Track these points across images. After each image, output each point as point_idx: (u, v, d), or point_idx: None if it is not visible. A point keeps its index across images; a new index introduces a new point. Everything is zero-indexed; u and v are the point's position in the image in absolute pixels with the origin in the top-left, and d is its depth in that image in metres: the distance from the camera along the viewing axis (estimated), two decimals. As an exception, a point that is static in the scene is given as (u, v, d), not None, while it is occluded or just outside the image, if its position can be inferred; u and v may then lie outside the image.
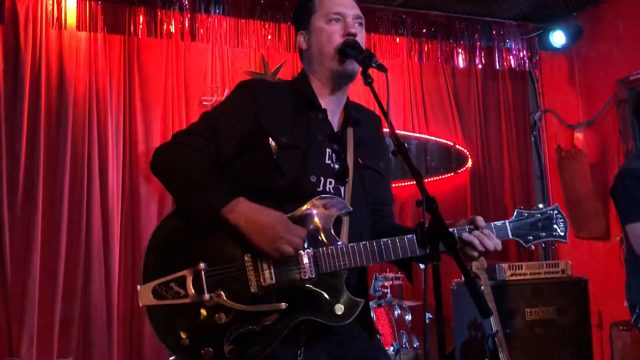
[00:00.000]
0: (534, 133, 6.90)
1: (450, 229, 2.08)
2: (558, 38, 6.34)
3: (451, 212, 5.89)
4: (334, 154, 2.23)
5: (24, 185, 4.89)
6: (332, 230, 2.11)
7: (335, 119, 2.30)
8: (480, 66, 6.57)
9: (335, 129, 2.28)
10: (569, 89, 6.57)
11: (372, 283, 4.90)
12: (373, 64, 2.09)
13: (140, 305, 2.04)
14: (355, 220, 2.18)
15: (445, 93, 6.51)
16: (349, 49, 2.18)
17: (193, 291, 2.02)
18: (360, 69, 2.13)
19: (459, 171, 6.39)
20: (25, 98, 4.94)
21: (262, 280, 2.03)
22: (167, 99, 5.45)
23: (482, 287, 4.50)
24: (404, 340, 4.72)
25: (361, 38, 2.25)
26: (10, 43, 4.98)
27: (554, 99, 6.81)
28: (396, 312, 4.82)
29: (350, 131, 2.29)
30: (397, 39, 6.20)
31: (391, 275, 4.94)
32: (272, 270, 2.04)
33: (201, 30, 5.47)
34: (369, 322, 2.28)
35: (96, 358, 4.94)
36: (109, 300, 5.03)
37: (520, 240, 2.20)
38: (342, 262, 2.07)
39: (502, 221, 2.19)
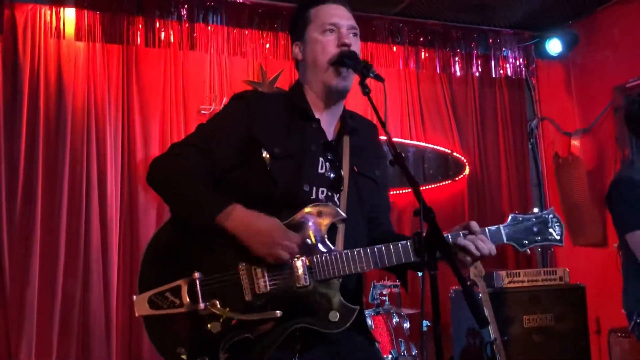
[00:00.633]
0: (531, 140, 6.92)
1: (445, 235, 2.08)
2: (554, 46, 6.37)
3: (449, 219, 5.89)
4: (328, 163, 2.24)
5: (22, 192, 4.90)
6: (326, 238, 2.12)
7: (331, 128, 2.32)
8: (477, 74, 6.59)
9: (331, 138, 2.30)
10: (566, 97, 6.59)
11: (370, 291, 4.90)
12: (371, 74, 2.11)
13: (137, 315, 2.06)
14: (350, 228, 2.19)
15: (442, 101, 6.53)
16: (346, 60, 2.20)
17: (188, 300, 2.03)
18: (357, 78, 2.15)
19: (457, 179, 6.41)
20: (24, 107, 4.96)
21: (256, 288, 2.04)
22: (166, 108, 5.47)
23: (480, 295, 4.51)
24: (402, 348, 4.72)
25: (356, 48, 2.26)
26: (9, 53, 5.00)
27: (551, 107, 6.83)
28: (394, 320, 4.81)
29: (346, 139, 2.31)
30: (394, 48, 6.22)
31: (389, 283, 4.94)
32: (267, 279, 2.05)
33: (199, 40, 5.49)
34: (364, 329, 2.29)
35: (95, 366, 4.94)
36: (107, 307, 5.02)
37: (515, 245, 2.20)
38: (336, 269, 2.08)
39: (497, 226, 2.20)
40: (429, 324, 4.71)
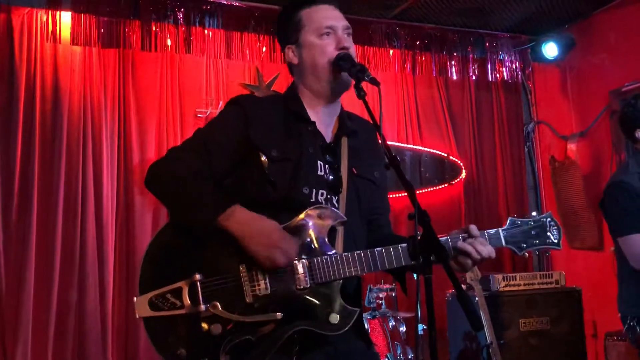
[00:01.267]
0: (528, 144, 6.93)
1: (444, 238, 2.11)
2: (550, 50, 6.38)
3: (445, 223, 5.90)
4: (326, 165, 2.24)
5: (18, 197, 4.89)
6: (326, 240, 2.13)
7: (328, 130, 2.33)
8: (473, 78, 6.60)
9: (329, 140, 2.30)
10: (562, 100, 6.61)
11: (367, 294, 4.91)
12: (366, 78, 2.11)
13: (137, 316, 2.06)
14: (350, 230, 2.20)
15: (438, 105, 6.53)
16: (342, 62, 2.21)
17: (189, 302, 2.03)
18: (353, 81, 2.15)
19: (453, 182, 6.41)
20: (20, 111, 4.95)
21: (257, 290, 2.05)
22: (162, 111, 5.47)
23: (476, 298, 4.51)
24: (399, 351, 4.72)
25: (352, 49, 2.28)
26: (5, 56, 5.00)
27: (547, 110, 6.84)
28: (390, 324, 4.82)
29: (344, 141, 2.32)
30: (391, 51, 6.23)
31: (386, 286, 4.94)
32: (267, 281, 2.05)
33: (196, 43, 5.49)
34: (363, 331, 2.30)
35: (91, 370, 4.93)
36: (103, 311, 5.02)
37: (514, 248, 2.22)
38: (336, 272, 2.08)
39: (496, 229, 2.21)
40: (424, 327, 4.72)
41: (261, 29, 5.71)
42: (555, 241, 2.26)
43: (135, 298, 2.07)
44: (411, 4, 5.82)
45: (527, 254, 2.26)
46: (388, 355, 4.65)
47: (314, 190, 2.19)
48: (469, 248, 2.09)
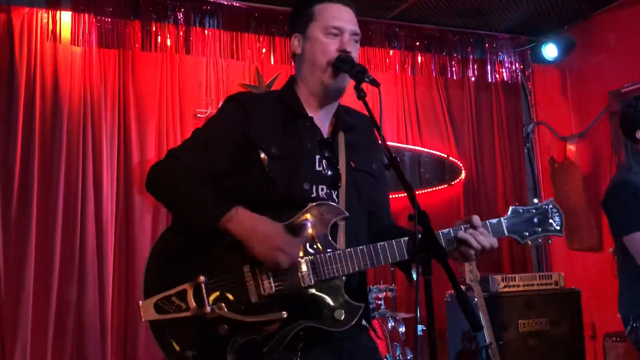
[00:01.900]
0: (527, 145, 6.94)
1: (447, 230, 2.13)
2: (550, 51, 6.39)
3: (445, 223, 5.84)
4: (324, 160, 2.25)
5: (18, 196, 4.89)
6: (329, 236, 2.13)
7: (325, 125, 2.33)
8: (473, 79, 6.60)
9: (326, 135, 2.31)
10: (562, 101, 6.61)
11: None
12: (366, 79, 2.12)
13: (143, 320, 2.06)
14: (351, 224, 2.20)
15: (438, 105, 6.54)
16: (341, 64, 2.21)
17: (194, 304, 2.03)
18: (353, 83, 2.15)
19: (453, 183, 6.42)
20: (20, 110, 4.95)
21: (262, 289, 2.05)
22: (162, 111, 5.47)
23: (476, 299, 4.51)
24: (398, 352, 4.72)
25: (355, 55, 2.26)
26: (5, 56, 5.00)
27: (547, 111, 6.85)
28: (390, 325, 4.82)
29: (341, 136, 2.32)
30: (391, 52, 6.23)
31: (385, 287, 4.94)
32: (272, 280, 2.06)
33: (196, 44, 5.49)
34: (367, 327, 2.31)
35: (90, 370, 4.93)
36: (102, 311, 5.02)
37: (517, 237, 2.22)
38: (340, 268, 2.09)
39: (498, 219, 2.21)
40: (424, 328, 4.72)
41: (261, 29, 5.70)
42: (558, 228, 2.26)
43: (140, 302, 2.08)
44: (411, 5, 5.83)
45: (529, 242, 2.25)
46: (387, 356, 4.65)
47: (314, 186, 2.19)
48: (470, 238, 2.10)
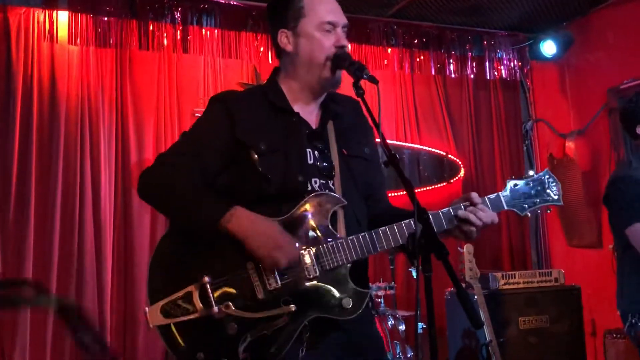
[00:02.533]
0: (526, 142, 6.93)
1: (446, 209, 2.13)
2: (549, 48, 6.38)
3: (444, 221, 5.88)
4: (316, 152, 2.24)
5: (15, 197, 4.87)
6: (329, 226, 2.13)
7: (312, 116, 2.32)
8: (471, 76, 6.59)
9: (314, 126, 2.30)
10: (560, 98, 6.60)
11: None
12: (364, 76, 2.11)
13: (151, 326, 2.06)
14: (350, 211, 2.20)
15: (437, 103, 6.53)
16: (340, 62, 2.21)
17: (201, 305, 2.03)
18: (351, 80, 2.15)
19: (452, 181, 6.41)
20: (17, 110, 4.93)
21: (267, 285, 2.06)
22: (160, 111, 5.46)
23: (476, 297, 4.50)
24: (398, 350, 4.71)
25: (347, 47, 2.28)
26: (2, 56, 4.98)
27: (546, 108, 6.84)
28: (389, 323, 4.81)
29: (330, 124, 2.31)
30: (389, 50, 6.22)
31: (384, 284, 4.93)
32: (277, 274, 2.06)
33: (193, 43, 5.48)
34: (370, 315, 2.32)
35: (89, 371, 4.91)
36: (101, 312, 5.00)
37: (516, 210, 2.23)
38: (344, 256, 2.09)
39: (496, 194, 2.23)
40: (424, 326, 4.71)
41: (259, 28, 5.69)
42: (556, 197, 2.26)
43: (146, 308, 2.07)
44: (409, 3, 5.81)
45: (529, 214, 2.24)
46: (387, 354, 4.64)
47: (309, 178, 2.19)
48: (470, 215, 2.11)
